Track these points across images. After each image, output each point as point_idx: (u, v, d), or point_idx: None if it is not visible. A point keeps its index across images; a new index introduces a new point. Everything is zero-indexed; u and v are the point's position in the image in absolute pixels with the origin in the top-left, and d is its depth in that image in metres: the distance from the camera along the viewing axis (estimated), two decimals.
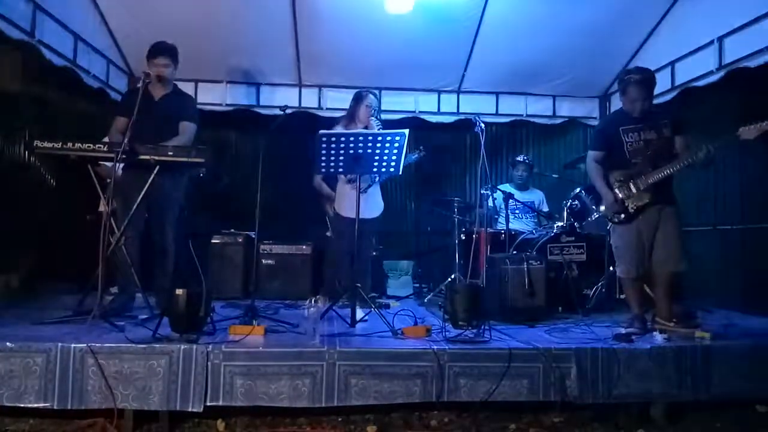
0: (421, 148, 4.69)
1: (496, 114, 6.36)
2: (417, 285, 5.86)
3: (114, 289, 3.92)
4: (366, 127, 4.33)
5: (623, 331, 3.38)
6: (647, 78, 3.51)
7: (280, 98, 5.80)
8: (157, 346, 2.74)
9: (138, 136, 3.43)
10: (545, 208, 5.68)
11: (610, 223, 3.73)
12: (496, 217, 5.45)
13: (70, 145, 3.35)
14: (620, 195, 3.53)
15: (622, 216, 3.55)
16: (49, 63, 4.41)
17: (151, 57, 3.84)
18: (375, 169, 3.78)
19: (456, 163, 6.88)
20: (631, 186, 3.51)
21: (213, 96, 5.98)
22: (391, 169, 3.74)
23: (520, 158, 5.80)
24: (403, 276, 5.87)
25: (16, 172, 5.03)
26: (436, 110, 6.31)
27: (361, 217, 4.03)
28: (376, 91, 6.09)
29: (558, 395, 2.88)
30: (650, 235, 3.51)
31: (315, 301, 4.76)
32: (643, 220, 3.52)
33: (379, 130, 4.23)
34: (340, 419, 2.87)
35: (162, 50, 3.85)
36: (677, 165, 3.41)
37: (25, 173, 5.15)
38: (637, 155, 3.53)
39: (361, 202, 4.11)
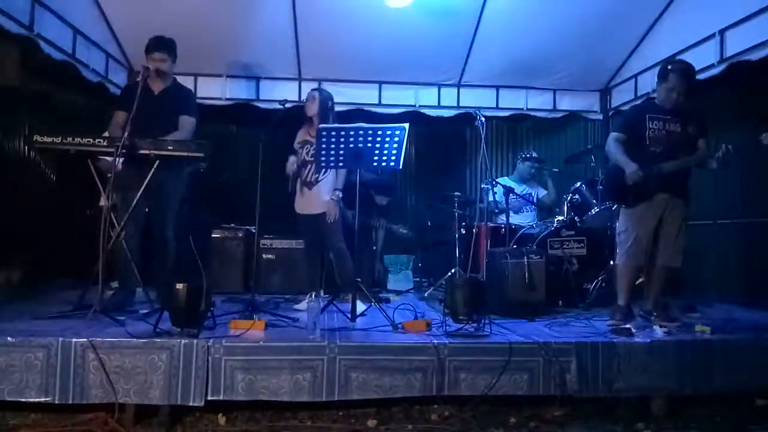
0: (409, 227, 4.74)
1: (497, 108, 6.34)
2: (417, 279, 5.86)
3: (114, 284, 3.93)
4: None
5: (614, 322, 3.39)
6: (690, 71, 3.52)
7: (280, 92, 5.78)
8: (158, 340, 2.75)
9: (138, 130, 3.43)
10: (541, 193, 5.68)
11: (618, 207, 3.69)
12: (497, 211, 5.44)
13: (69, 139, 3.34)
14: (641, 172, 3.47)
15: (638, 195, 3.50)
16: (48, 57, 4.39)
17: (148, 52, 3.83)
18: (375, 163, 3.77)
19: (456, 157, 6.86)
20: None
21: (213, 90, 5.96)
22: (392, 164, 3.73)
23: (534, 155, 5.73)
24: (403, 270, 5.87)
25: (15, 166, 5.03)
26: (436, 104, 6.29)
27: (306, 212, 4.19)
28: (375, 85, 6.12)
29: (558, 389, 2.89)
30: (655, 225, 3.51)
31: (315, 295, 4.75)
32: (650, 208, 3.51)
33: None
34: (340, 413, 2.88)
35: (159, 45, 3.83)
36: (694, 159, 3.44)
37: (25, 168, 5.15)
38: (657, 144, 3.52)
39: (306, 198, 4.23)
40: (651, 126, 3.53)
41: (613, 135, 3.69)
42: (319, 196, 4.21)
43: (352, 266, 4.04)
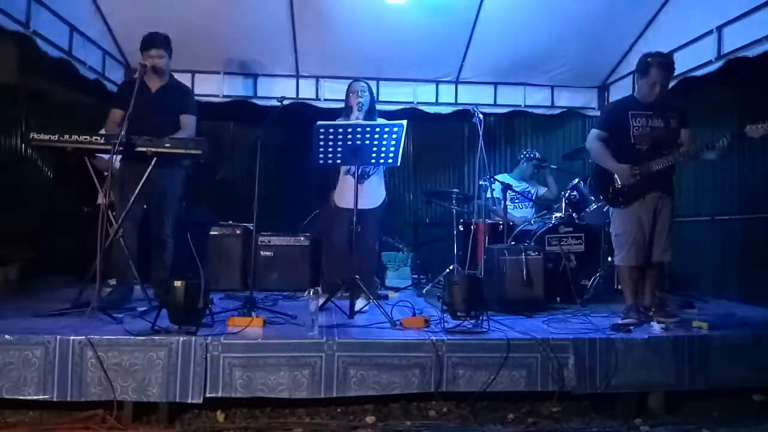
0: (404, 244, 4.74)
1: (495, 104, 6.33)
2: (415, 276, 5.86)
3: (112, 281, 3.92)
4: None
5: (620, 321, 3.39)
6: (670, 63, 3.53)
7: (278, 89, 5.76)
8: (156, 338, 2.75)
9: (135, 127, 3.41)
10: (541, 190, 5.68)
11: (611, 209, 3.69)
12: (495, 208, 5.45)
13: (66, 137, 3.33)
14: (636, 170, 3.47)
15: (629, 195, 3.51)
16: (45, 54, 4.37)
17: (144, 49, 3.81)
18: (373, 160, 3.77)
19: (454, 154, 6.86)
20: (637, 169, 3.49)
21: (210, 87, 5.93)
22: (390, 160, 3.73)
23: (538, 155, 5.72)
24: (402, 267, 5.87)
25: (12, 164, 5.02)
26: (434, 101, 6.27)
27: (360, 207, 3.96)
28: (373, 82, 6.11)
29: (556, 385, 2.90)
30: (650, 223, 3.52)
31: (314, 293, 4.75)
32: (643, 207, 3.52)
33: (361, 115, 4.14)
34: (339, 410, 2.88)
35: (155, 41, 3.81)
36: (683, 155, 3.42)
37: (22, 166, 5.15)
38: (642, 141, 3.52)
39: (360, 192, 4.06)
40: (635, 123, 3.52)
41: (595, 132, 3.66)
42: (371, 189, 4.19)
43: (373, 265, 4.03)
